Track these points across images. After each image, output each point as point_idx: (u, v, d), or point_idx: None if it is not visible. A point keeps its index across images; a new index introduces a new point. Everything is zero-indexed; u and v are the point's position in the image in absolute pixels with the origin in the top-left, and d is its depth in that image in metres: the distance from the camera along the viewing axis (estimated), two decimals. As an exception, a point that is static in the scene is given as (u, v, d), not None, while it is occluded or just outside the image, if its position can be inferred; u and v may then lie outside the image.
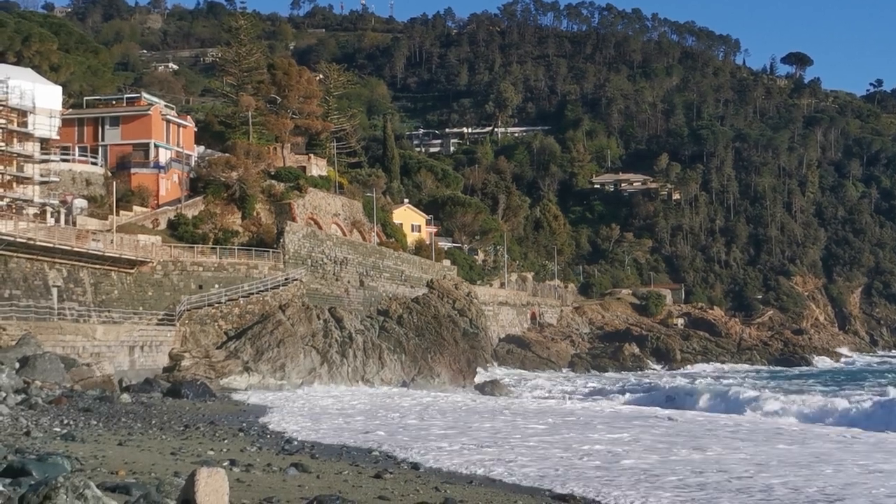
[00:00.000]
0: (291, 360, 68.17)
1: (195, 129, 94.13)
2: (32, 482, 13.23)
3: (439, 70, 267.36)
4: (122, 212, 75.06)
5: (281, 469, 22.08)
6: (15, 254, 55.62)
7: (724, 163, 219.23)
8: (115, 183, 75.22)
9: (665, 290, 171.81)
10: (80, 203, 73.46)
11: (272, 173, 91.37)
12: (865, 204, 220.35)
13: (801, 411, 51.10)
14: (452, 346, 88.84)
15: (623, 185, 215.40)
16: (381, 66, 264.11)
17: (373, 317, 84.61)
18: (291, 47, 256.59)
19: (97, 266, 63.33)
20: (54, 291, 58.60)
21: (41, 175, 69.76)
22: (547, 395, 72.80)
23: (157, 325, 65.42)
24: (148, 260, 68.56)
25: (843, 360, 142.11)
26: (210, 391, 55.10)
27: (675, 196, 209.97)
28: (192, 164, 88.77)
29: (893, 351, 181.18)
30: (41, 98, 69.99)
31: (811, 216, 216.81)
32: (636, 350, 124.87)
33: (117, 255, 65.08)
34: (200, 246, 75.27)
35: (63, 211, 70.86)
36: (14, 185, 67.24)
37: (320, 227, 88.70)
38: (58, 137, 74.66)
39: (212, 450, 26.21)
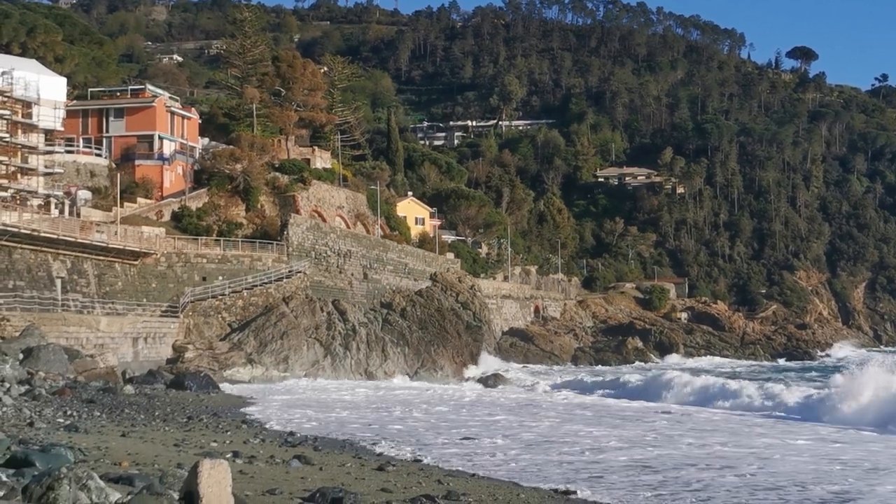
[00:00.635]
0: (295, 352, 68.24)
1: (199, 121, 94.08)
2: (36, 473, 13.24)
3: (444, 63, 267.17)
4: (126, 203, 75.11)
5: (284, 461, 22.10)
6: (19, 245, 55.68)
7: (728, 157, 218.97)
8: (119, 174, 75.22)
9: (669, 285, 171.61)
10: (84, 194, 73.49)
11: (276, 165, 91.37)
12: (870, 199, 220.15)
13: (742, 402, 51.46)
14: (456, 339, 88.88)
15: (627, 178, 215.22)
16: (385, 58, 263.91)
17: (376, 309, 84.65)
18: (296, 40, 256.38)
19: (101, 257, 63.38)
20: (58, 283, 58.67)
21: (45, 166, 69.83)
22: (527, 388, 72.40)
23: (161, 316, 65.51)
24: (152, 252, 68.60)
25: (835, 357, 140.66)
26: (213, 383, 55.19)
27: (680, 190, 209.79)
28: (197, 156, 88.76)
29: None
30: (46, 89, 70.05)
31: (815, 211, 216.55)
32: (640, 344, 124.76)
33: (121, 247, 65.14)
34: (204, 238, 75.30)
35: (67, 202, 70.93)
36: (18, 176, 67.33)
37: (324, 220, 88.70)
38: (62, 129, 74.77)
39: (215, 441, 26.24)
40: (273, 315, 69.50)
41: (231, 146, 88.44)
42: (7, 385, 35.70)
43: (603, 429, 36.39)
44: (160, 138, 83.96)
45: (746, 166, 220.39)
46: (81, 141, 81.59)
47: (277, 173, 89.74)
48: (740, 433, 35.76)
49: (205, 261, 71.36)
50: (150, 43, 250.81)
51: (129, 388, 45.46)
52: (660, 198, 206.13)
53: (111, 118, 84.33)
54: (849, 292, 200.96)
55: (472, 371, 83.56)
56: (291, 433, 30.65)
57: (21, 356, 45.35)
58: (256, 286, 71.64)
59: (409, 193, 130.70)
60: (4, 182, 65.34)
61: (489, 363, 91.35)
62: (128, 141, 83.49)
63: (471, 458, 26.95)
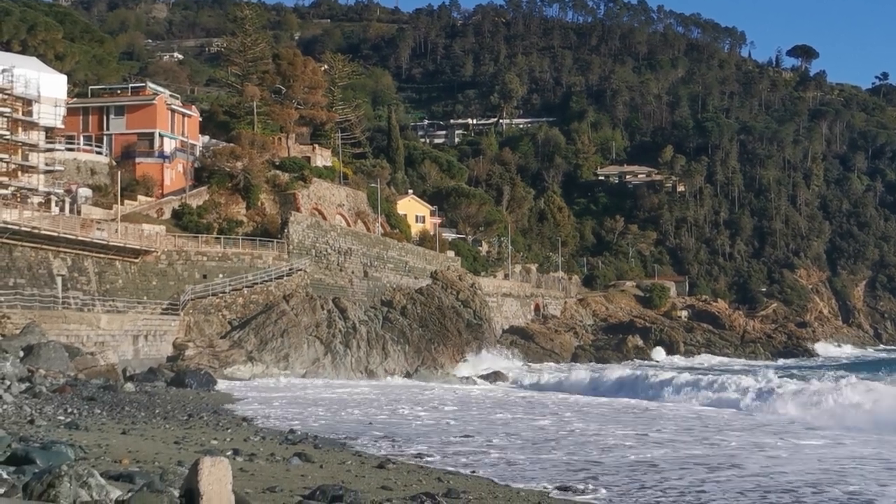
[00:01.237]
0: (295, 350, 68.27)
1: (200, 119, 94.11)
2: (37, 470, 13.26)
3: (444, 61, 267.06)
4: (126, 201, 75.13)
5: (284, 459, 22.13)
6: (20, 242, 55.70)
7: (728, 155, 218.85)
8: (119, 172, 75.27)
9: (669, 283, 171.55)
10: (84, 192, 73.50)
11: (277, 163, 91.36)
12: (870, 197, 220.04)
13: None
14: (456, 336, 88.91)
15: (627, 176, 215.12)
16: (386, 56, 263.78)
17: (377, 307, 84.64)
18: (296, 37, 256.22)
19: (101, 255, 63.41)
20: (59, 280, 58.69)
21: (46, 164, 69.83)
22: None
23: (161, 314, 65.53)
24: (152, 249, 68.63)
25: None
26: (214, 380, 55.25)
27: (680, 188, 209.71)
28: (197, 153, 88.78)
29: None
30: (46, 87, 70.03)
31: (816, 209, 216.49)
32: (640, 342, 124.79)
33: (122, 245, 65.16)
34: (205, 236, 75.34)
35: (68, 200, 70.94)
36: (19, 173, 67.32)
37: (324, 218, 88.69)
38: (63, 126, 74.76)
39: (215, 439, 26.27)
40: (273, 313, 69.53)
41: (231, 144, 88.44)
42: (8, 382, 35.72)
43: (604, 426, 36.41)
44: (161, 136, 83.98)
45: (747, 164, 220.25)
46: (82, 138, 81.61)
47: (278, 171, 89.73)
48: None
49: (205, 258, 71.38)
50: (150, 41, 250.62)
51: (129, 386, 45.50)
52: (660, 196, 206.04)
53: (112, 116, 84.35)
54: (849, 291, 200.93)
55: (472, 369, 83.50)
56: (292, 431, 30.68)
57: (21, 354, 45.38)
58: (257, 284, 71.65)
59: (410, 191, 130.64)
60: (5, 180, 65.35)
61: (490, 361, 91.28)
62: (128, 139, 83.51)
63: (471, 455, 26.97)
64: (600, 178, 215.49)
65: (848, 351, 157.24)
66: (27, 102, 67.94)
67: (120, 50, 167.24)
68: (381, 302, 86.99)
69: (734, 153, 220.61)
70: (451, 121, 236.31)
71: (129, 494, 11.60)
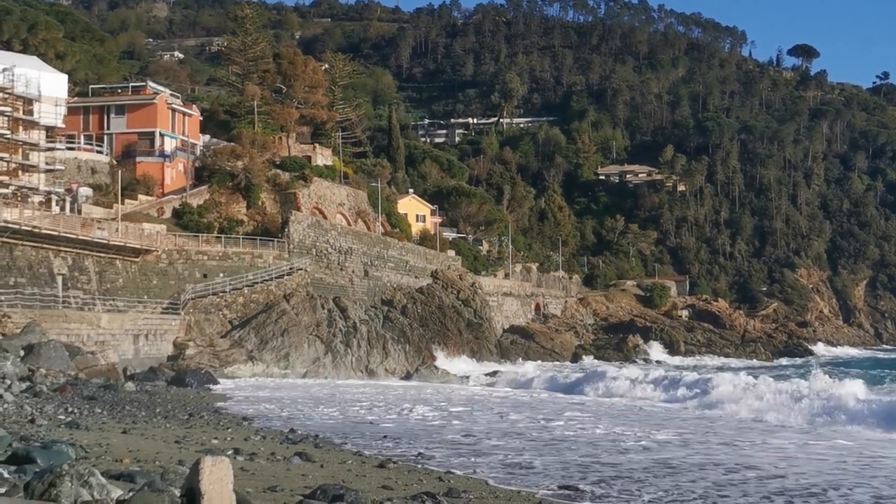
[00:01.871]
0: (295, 349, 68.30)
1: (200, 118, 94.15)
2: (37, 469, 13.26)
3: (445, 60, 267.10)
4: (127, 200, 75.17)
5: (285, 458, 22.12)
6: (20, 242, 55.72)
7: (729, 155, 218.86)
8: (120, 171, 75.31)
9: (669, 282, 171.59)
10: (85, 191, 73.54)
11: (277, 163, 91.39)
12: (871, 197, 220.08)
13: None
14: (456, 336, 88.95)
15: (628, 176, 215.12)
16: (386, 55, 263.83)
17: (377, 307, 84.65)
18: (297, 37, 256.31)
19: (102, 254, 63.43)
20: (59, 279, 58.71)
21: (46, 163, 69.86)
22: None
23: (162, 313, 65.55)
24: (153, 249, 68.66)
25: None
26: (214, 380, 55.28)
27: (681, 188, 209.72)
28: (198, 153, 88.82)
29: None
30: (47, 86, 70.04)
31: (816, 209, 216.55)
32: (640, 341, 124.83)
33: (122, 244, 65.19)
34: (205, 235, 75.38)
35: (68, 199, 70.97)
36: (20, 173, 67.34)
37: (325, 217, 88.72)
38: (63, 126, 74.79)
39: (216, 438, 26.27)
40: (274, 312, 69.54)
41: (232, 143, 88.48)
42: (8, 382, 35.73)
43: (606, 425, 36.40)
44: (161, 135, 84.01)
45: (747, 164, 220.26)
46: (82, 138, 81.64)
47: (278, 170, 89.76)
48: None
49: (206, 258, 71.40)
50: (151, 40, 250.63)
51: (129, 385, 45.50)
52: (661, 195, 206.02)
53: (112, 115, 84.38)
54: (850, 290, 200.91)
55: (473, 367, 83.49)
56: (292, 430, 30.67)
57: (22, 353, 45.41)
58: (257, 283, 71.68)
59: (410, 191, 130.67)
60: (5, 179, 65.36)
61: (490, 360, 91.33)
62: (129, 138, 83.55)
63: (472, 454, 26.96)
64: (601, 177, 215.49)
65: (851, 352, 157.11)
66: (28, 101, 67.96)
67: (120, 49, 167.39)
68: (381, 301, 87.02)
69: (735, 153, 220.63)
70: (452, 120, 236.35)
71: (130, 494, 11.60)
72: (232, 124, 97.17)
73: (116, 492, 11.70)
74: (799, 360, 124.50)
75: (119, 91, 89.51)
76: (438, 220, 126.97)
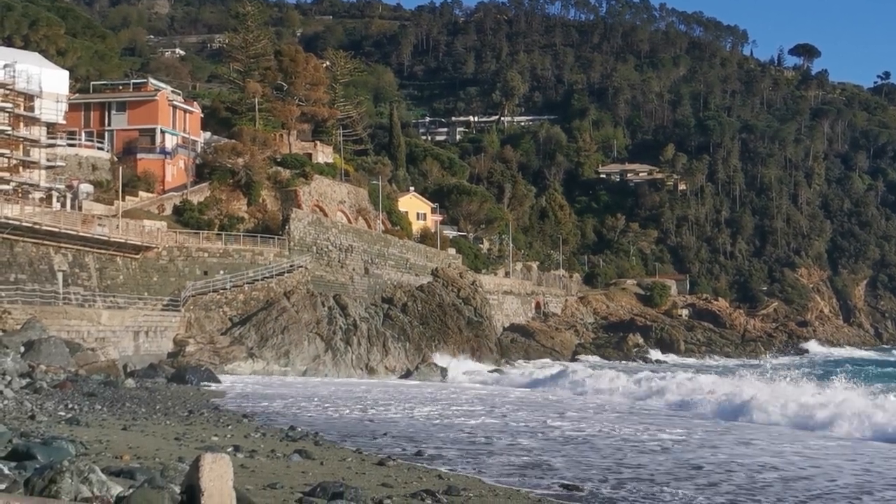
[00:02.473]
0: (296, 346, 68.27)
1: (201, 115, 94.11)
2: (38, 466, 13.27)
3: (446, 58, 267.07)
4: (127, 197, 75.16)
5: (285, 455, 22.13)
6: (21, 238, 55.71)
7: (730, 154, 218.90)
8: (121, 168, 75.31)
9: (670, 281, 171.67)
10: (85, 188, 73.53)
11: (278, 160, 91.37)
12: (871, 196, 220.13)
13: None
14: (457, 334, 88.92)
15: (629, 175, 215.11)
16: (387, 53, 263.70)
17: (377, 304, 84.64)
18: (298, 34, 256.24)
19: (102, 251, 63.41)
20: (60, 276, 58.71)
21: (47, 159, 69.87)
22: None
23: (162, 310, 65.55)
24: (153, 245, 68.64)
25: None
26: (214, 377, 55.27)
27: (681, 187, 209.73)
28: (199, 150, 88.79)
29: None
30: (48, 82, 70.06)
31: (817, 208, 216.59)
32: (640, 340, 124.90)
33: (123, 241, 65.15)
34: (206, 232, 75.37)
35: (69, 196, 70.95)
36: (20, 169, 67.37)
37: (326, 215, 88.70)
38: (64, 122, 74.82)
39: (216, 435, 26.27)
40: (274, 309, 69.52)
41: (233, 140, 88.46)
42: (8, 378, 35.72)
43: (609, 424, 36.43)
44: (162, 132, 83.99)
45: (748, 163, 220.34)
46: (83, 134, 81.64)
47: (279, 168, 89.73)
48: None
49: (206, 255, 71.38)
50: (152, 37, 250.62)
51: (130, 382, 45.49)
52: (661, 194, 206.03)
53: (113, 112, 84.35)
54: (850, 290, 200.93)
55: (473, 366, 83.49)
56: (292, 427, 30.65)
57: (22, 349, 45.40)
58: (258, 280, 71.65)
59: (411, 189, 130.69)
60: (6, 175, 65.36)
61: (490, 359, 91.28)
62: (130, 134, 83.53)
63: (472, 452, 26.96)
64: (601, 176, 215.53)
65: (854, 353, 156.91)
66: (29, 98, 67.96)
67: (122, 46, 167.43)
68: (381, 299, 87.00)
69: (735, 152, 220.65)
70: (453, 118, 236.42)
71: (131, 490, 11.60)
72: (233, 121, 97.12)
73: (116, 488, 11.70)
74: (786, 359, 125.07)
75: (120, 88, 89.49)
76: (439, 218, 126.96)
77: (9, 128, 65.59)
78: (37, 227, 56.75)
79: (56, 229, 58.40)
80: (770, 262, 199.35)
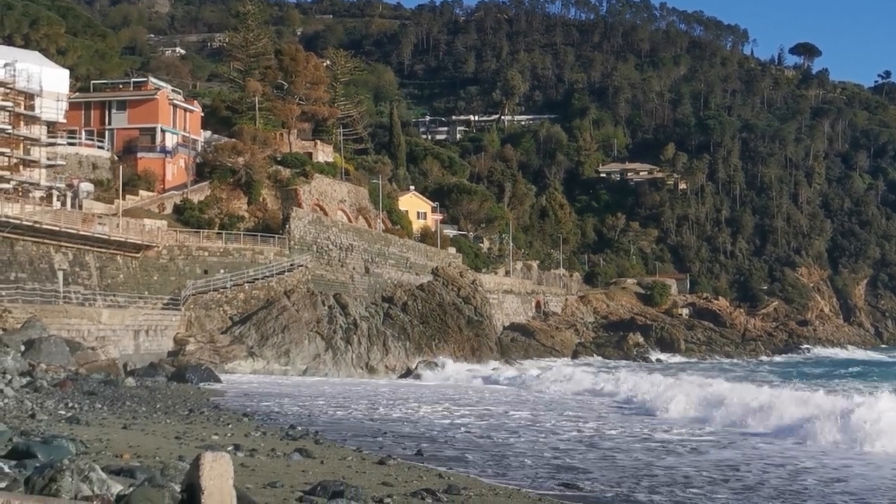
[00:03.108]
0: (296, 345, 68.29)
1: (202, 114, 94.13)
2: (38, 464, 13.26)
3: (446, 57, 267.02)
4: (128, 196, 75.17)
5: (285, 454, 22.11)
6: (21, 237, 55.72)
7: (730, 153, 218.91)
8: (121, 167, 75.31)
9: (670, 280, 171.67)
10: (86, 187, 73.55)
11: (278, 159, 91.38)
12: (872, 196, 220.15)
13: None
14: (457, 333, 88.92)
15: (629, 174, 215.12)
16: (388, 52, 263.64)
17: (377, 303, 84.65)
18: (299, 33, 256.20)
19: (103, 250, 63.42)
20: (60, 275, 58.71)
21: (48, 158, 69.89)
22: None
23: (163, 309, 65.56)
24: (153, 244, 68.65)
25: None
26: (214, 376, 55.28)
27: (682, 186, 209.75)
28: (199, 148, 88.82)
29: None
30: (48, 81, 70.07)
31: (817, 207, 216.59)
32: (640, 339, 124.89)
33: (123, 240, 65.17)
34: (206, 231, 75.40)
35: (69, 194, 70.98)
36: (21, 168, 67.39)
37: (326, 214, 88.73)
38: (64, 121, 74.82)
39: (216, 434, 26.26)
40: (274, 308, 69.54)
41: (233, 139, 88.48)
42: (9, 377, 35.72)
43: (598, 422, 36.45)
44: (162, 131, 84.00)
45: (748, 162, 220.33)
46: (84, 133, 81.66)
47: (279, 167, 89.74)
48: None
49: (206, 254, 71.40)
50: (152, 35, 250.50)
51: (130, 381, 45.49)
52: (662, 193, 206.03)
53: (113, 110, 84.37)
54: (850, 289, 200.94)
55: (473, 365, 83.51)
56: (292, 427, 30.65)
57: (23, 348, 45.40)
58: (258, 279, 71.67)
59: (411, 188, 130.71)
60: (6, 174, 65.37)
61: (490, 358, 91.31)
62: (130, 133, 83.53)
63: (473, 451, 26.97)
64: (602, 175, 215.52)
65: (846, 353, 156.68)
66: (29, 97, 67.98)
67: (122, 45, 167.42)
68: (381, 298, 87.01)
69: (736, 151, 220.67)
70: (453, 117, 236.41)
71: (131, 489, 11.59)
72: (233, 120, 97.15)
73: (117, 487, 11.69)
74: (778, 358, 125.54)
75: (120, 86, 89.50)
76: (439, 217, 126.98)
77: (9, 126, 65.60)
78: (37, 225, 56.77)
79: (56, 228, 58.41)
80: (770, 261, 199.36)
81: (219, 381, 54.06)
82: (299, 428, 30.26)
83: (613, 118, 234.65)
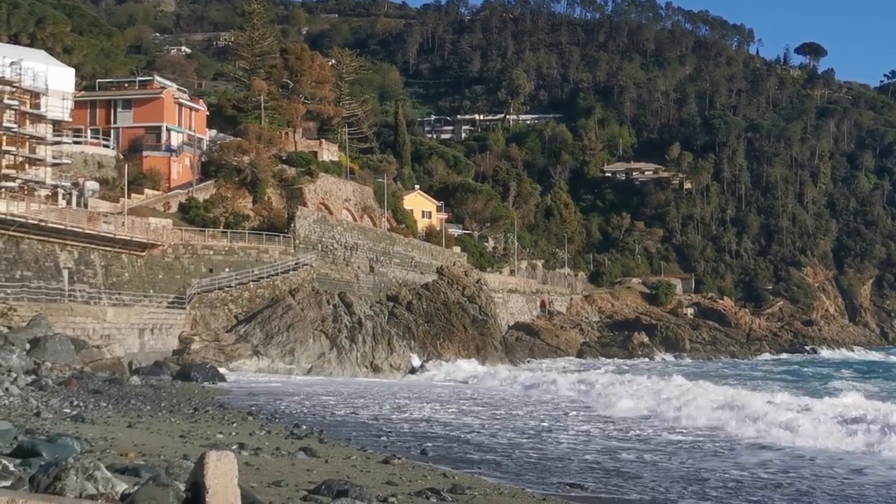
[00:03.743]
0: (301, 344, 68.28)
1: (207, 113, 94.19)
2: (43, 463, 13.28)
3: (452, 56, 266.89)
4: (133, 195, 75.22)
5: (290, 453, 22.13)
6: (27, 235, 55.79)
7: (735, 153, 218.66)
8: (126, 166, 75.38)
9: (675, 280, 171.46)
10: (91, 185, 73.61)
11: (284, 158, 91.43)
12: (877, 196, 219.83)
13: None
14: (461, 332, 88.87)
15: (634, 173, 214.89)
16: (393, 51, 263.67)
17: (382, 302, 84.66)
18: (304, 32, 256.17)
19: (108, 248, 63.47)
20: (65, 273, 58.77)
21: (53, 157, 69.97)
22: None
23: (168, 308, 65.59)
24: (159, 243, 68.70)
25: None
26: (219, 374, 55.30)
27: (687, 185, 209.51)
28: (204, 147, 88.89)
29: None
30: (54, 80, 70.16)
31: (823, 207, 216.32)
32: (645, 339, 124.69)
33: (128, 238, 65.23)
34: (211, 229, 75.43)
35: (75, 193, 71.04)
36: (26, 166, 67.46)
37: (331, 213, 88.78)
38: (70, 120, 74.90)
39: (221, 433, 26.28)
40: (279, 307, 69.56)
41: (238, 138, 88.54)
42: (14, 375, 35.78)
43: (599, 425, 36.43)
44: (168, 130, 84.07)
45: (754, 162, 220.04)
46: (89, 132, 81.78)
47: (285, 166, 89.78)
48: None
49: (211, 252, 71.45)
50: (158, 34, 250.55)
51: (135, 379, 45.54)
52: (667, 193, 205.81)
53: (119, 109, 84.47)
54: (856, 289, 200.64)
55: (477, 364, 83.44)
56: (297, 425, 30.66)
57: (28, 346, 45.44)
58: (263, 278, 71.70)
59: (416, 187, 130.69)
60: (12, 172, 65.46)
61: (495, 357, 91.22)
62: (135, 132, 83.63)
63: (475, 451, 26.98)
64: (607, 174, 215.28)
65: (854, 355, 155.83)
66: (35, 95, 68.05)
67: (128, 43, 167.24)
68: (386, 297, 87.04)
69: (741, 151, 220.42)
70: (458, 116, 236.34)
71: (135, 488, 11.60)
72: (238, 119, 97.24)
73: (121, 486, 11.70)
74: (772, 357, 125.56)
75: (126, 85, 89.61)
76: (444, 216, 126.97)
77: (15, 125, 65.67)
78: (42, 224, 56.83)
79: (62, 227, 58.47)
80: (775, 261, 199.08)
81: (223, 379, 54.07)
82: (304, 427, 30.27)
83: (618, 118, 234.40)
